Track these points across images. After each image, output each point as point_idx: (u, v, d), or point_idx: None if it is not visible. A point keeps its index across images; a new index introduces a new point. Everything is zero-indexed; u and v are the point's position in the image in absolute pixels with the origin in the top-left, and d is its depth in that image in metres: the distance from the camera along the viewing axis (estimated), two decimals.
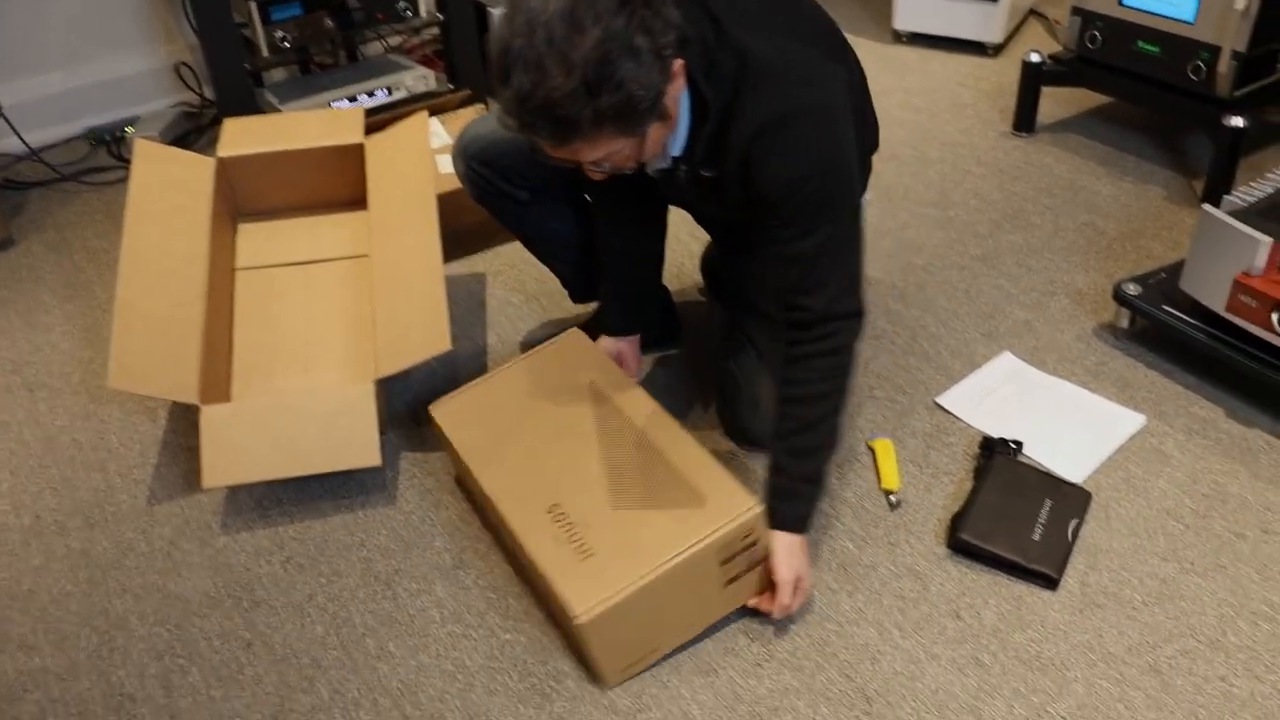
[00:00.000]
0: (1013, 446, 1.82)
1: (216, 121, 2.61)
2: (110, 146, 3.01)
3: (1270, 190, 1.96)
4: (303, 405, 1.77)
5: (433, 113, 2.55)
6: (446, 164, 2.36)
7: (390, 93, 2.85)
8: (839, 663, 1.52)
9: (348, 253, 2.17)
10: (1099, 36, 2.55)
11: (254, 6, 2.55)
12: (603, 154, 1.33)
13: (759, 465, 1.80)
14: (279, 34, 2.62)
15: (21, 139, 2.89)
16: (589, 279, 2.00)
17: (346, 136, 2.19)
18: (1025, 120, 2.81)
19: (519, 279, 2.36)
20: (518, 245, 2.10)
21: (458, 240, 2.40)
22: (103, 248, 2.57)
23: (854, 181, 1.51)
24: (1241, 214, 1.87)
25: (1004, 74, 3.13)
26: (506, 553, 1.70)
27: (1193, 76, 2.38)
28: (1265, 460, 1.80)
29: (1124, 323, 2.09)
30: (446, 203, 2.17)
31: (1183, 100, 2.45)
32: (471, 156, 1.79)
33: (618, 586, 1.41)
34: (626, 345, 1.89)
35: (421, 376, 2.09)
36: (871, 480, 1.81)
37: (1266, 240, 1.79)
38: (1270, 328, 1.79)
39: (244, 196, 2.23)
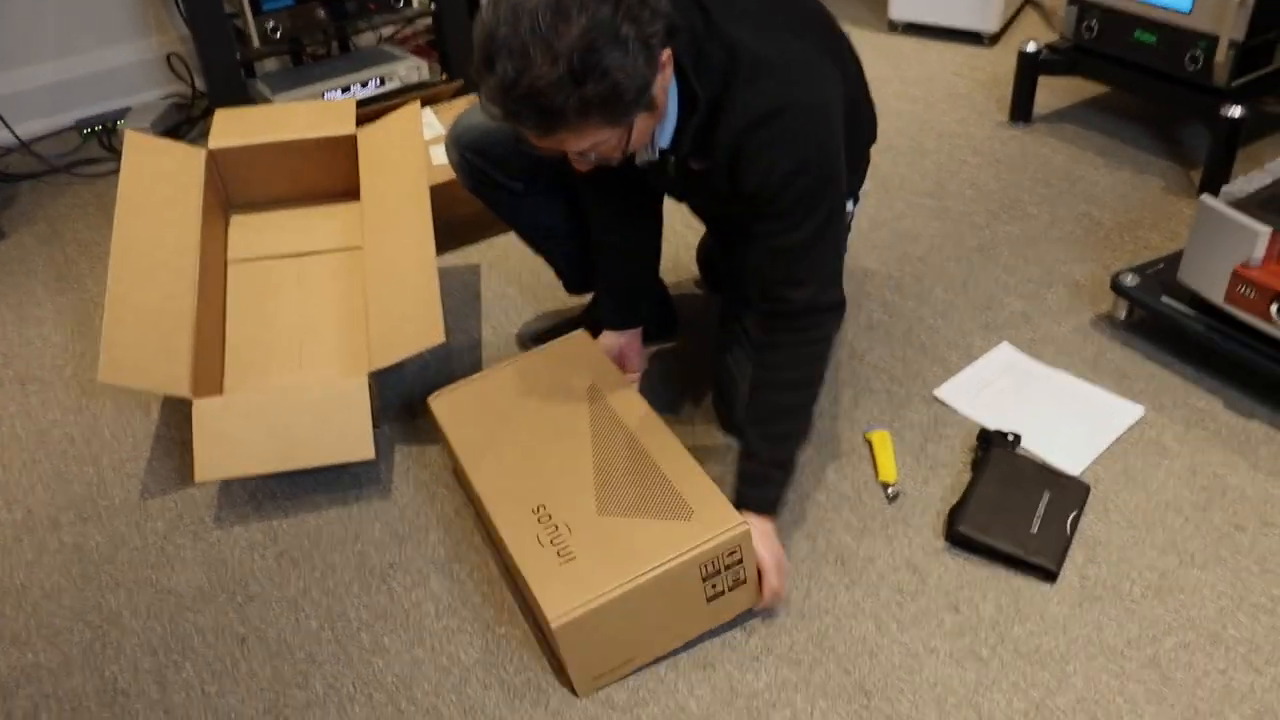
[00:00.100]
0: (1011, 439, 1.81)
1: (208, 113, 2.60)
2: (101, 138, 3.00)
3: (1269, 180, 1.95)
4: (296, 399, 1.76)
5: (426, 103, 2.53)
6: (439, 155, 2.35)
7: (383, 83, 2.84)
8: (837, 656, 1.51)
9: (340, 245, 2.16)
10: (1095, 26, 2.54)
11: None
12: (588, 144, 1.32)
13: None
14: (270, 24, 2.61)
15: (12, 131, 2.88)
16: (584, 270, 1.98)
17: (338, 127, 2.17)
18: (1022, 110, 2.80)
19: (514, 270, 2.34)
20: (512, 236, 2.09)
21: (451, 231, 2.38)
22: (94, 240, 2.55)
23: (842, 177, 1.50)
24: (1240, 204, 1.86)
25: (1000, 63, 3.12)
26: (494, 549, 1.69)
27: (1190, 66, 2.37)
28: (1265, 452, 1.79)
29: (1122, 314, 2.08)
30: (440, 194, 2.16)
31: (1180, 90, 2.44)
32: (465, 146, 1.78)
33: (596, 592, 1.39)
34: (628, 340, 1.87)
35: (415, 369, 2.08)
36: (869, 473, 1.80)
37: (1265, 230, 1.78)
38: (1269, 319, 1.78)
39: (235, 188, 2.21)
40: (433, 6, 2.82)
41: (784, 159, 1.41)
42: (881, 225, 2.43)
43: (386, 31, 3.24)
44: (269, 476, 1.84)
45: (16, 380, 2.12)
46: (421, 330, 1.79)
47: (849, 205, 1.83)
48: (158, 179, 2.03)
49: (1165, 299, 1.96)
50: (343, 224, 2.19)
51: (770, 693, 1.47)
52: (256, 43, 2.61)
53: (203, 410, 1.73)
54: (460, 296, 2.27)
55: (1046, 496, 1.69)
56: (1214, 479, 1.75)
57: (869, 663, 1.50)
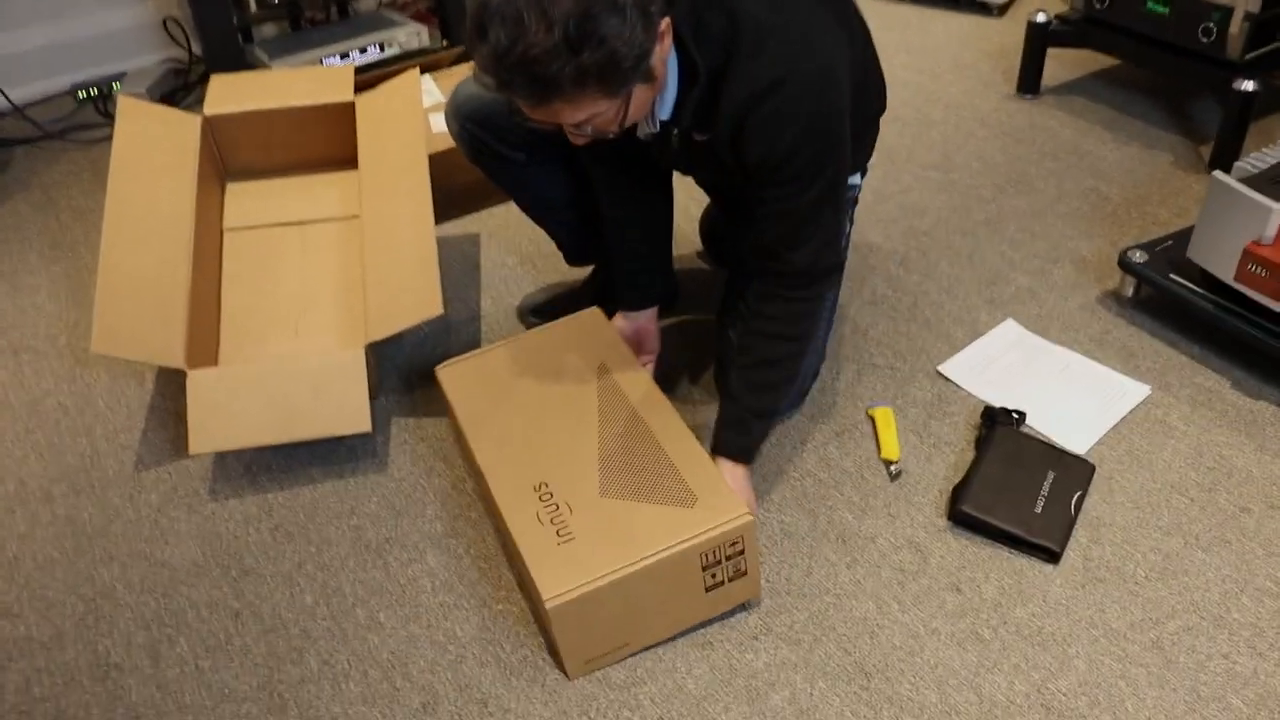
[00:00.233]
0: (1015, 417, 1.79)
1: (205, 78, 2.56)
2: (97, 103, 2.96)
3: None
4: (292, 370, 1.74)
5: (425, 70, 2.49)
6: (439, 122, 2.32)
7: (382, 49, 2.80)
8: (837, 636, 1.50)
9: (338, 214, 2.13)
10: None
11: None
12: (585, 116, 1.28)
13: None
14: None
15: (5, 95, 2.84)
16: (585, 240, 1.96)
17: (337, 94, 2.14)
18: (1030, 82, 2.76)
19: (514, 240, 2.31)
20: (512, 205, 2.06)
21: (451, 200, 2.36)
22: (89, 207, 2.52)
23: (846, 144, 1.47)
24: (1253, 181, 1.83)
25: (1008, 34, 3.08)
26: (492, 524, 1.67)
27: (1203, 39, 2.33)
28: (1271, 433, 1.77)
29: (1129, 291, 2.05)
30: (439, 162, 2.13)
31: (1192, 63, 2.40)
32: (466, 117, 1.74)
33: (592, 575, 1.37)
34: (645, 321, 1.84)
35: (414, 341, 2.05)
36: (871, 450, 1.78)
37: (1278, 208, 1.75)
38: None
39: (231, 156, 2.18)
40: None
41: (788, 130, 1.38)
42: (887, 198, 2.40)
43: None
44: (264, 449, 1.82)
45: (10, 349, 2.10)
46: (420, 302, 1.77)
47: (856, 179, 1.80)
48: (152, 146, 2.00)
49: (1173, 276, 1.94)
50: (340, 192, 2.16)
51: (769, 672, 1.46)
52: (254, 7, 2.58)
53: (197, 381, 1.71)
54: (459, 267, 2.25)
55: (1051, 476, 1.67)
56: (1220, 460, 1.73)
57: (869, 643, 1.49)
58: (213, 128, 2.11)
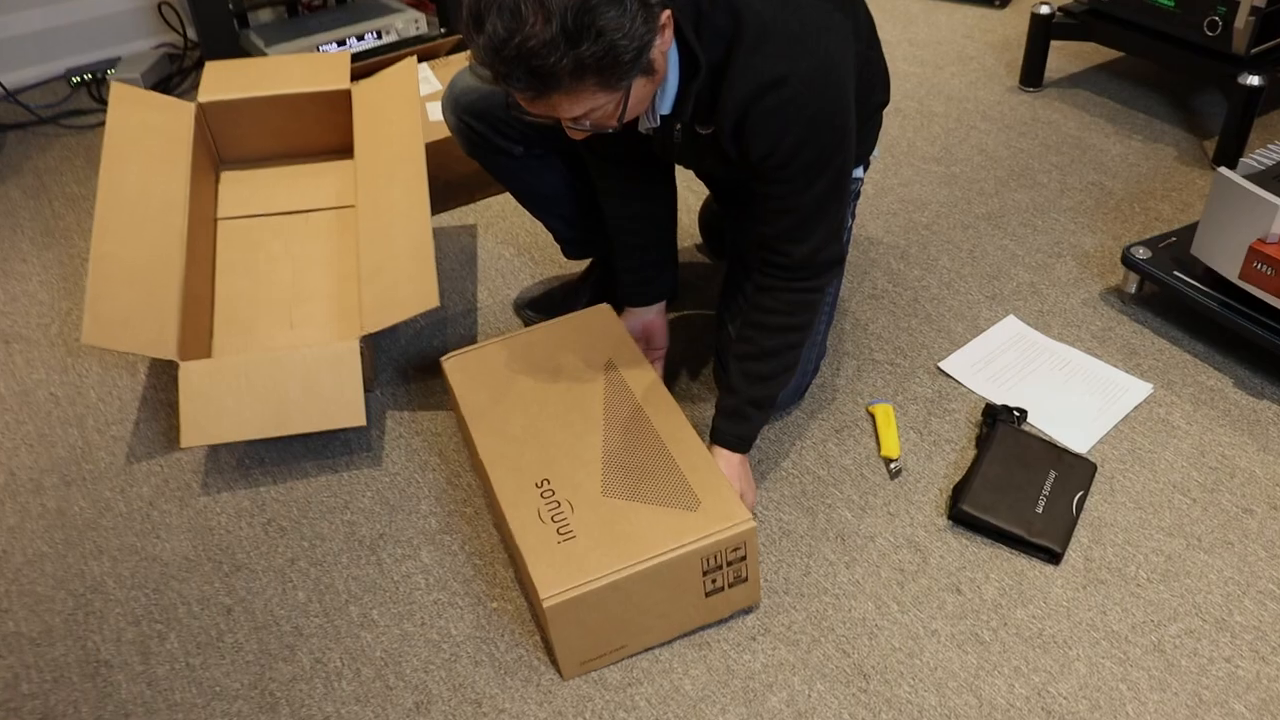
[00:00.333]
0: (1016, 415, 1.77)
1: (200, 64, 2.53)
2: (91, 88, 2.93)
3: None
4: (285, 362, 1.71)
5: (423, 58, 2.47)
6: (436, 111, 2.29)
7: (380, 36, 2.77)
8: (835, 637, 1.48)
9: (333, 203, 2.10)
10: None
11: None
12: (583, 110, 1.26)
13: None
14: None
15: None
16: (583, 235, 1.93)
17: (332, 82, 2.11)
18: (1033, 75, 2.73)
19: (511, 231, 2.29)
20: (509, 196, 2.03)
21: (448, 190, 2.33)
22: (83, 194, 2.50)
23: (851, 138, 1.45)
24: (1258, 178, 1.81)
25: (1011, 26, 3.05)
26: (494, 519, 1.66)
27: (1209, 32, 2.31)
28: (1274, 433, 1.75)
29: (1132, 287, 2.03)
30: (435, 152, 2.11)
31: (1197, 57, 2.37)
32: (463, 109, 1.72)
33: (591, 575, 1.35)
34: (654, 315, 1.82)
35: (409, 333, 2.03)
36: (871, 447, 1.76)
37: None
38: None
39: (226, 143, 2.15)
40: None
41: (791, 127, 1.36)
42: (888, 191, 2.38)
43: None
44: (257, 441, 1.80)
45: (0, 339, 2.08)
46: (415, 294, 1.75)
47: (859, 171, 1.77)
48: (145, 133, 1.97)
49: (1177, 274, 1.92)
50: (336, 182, 2.14)
51: (767, 673, 1.44)
52: None
53: (189, 373, 1.69)
54: (456, 258, 2.22)
55: (1052, 475, 1.65)
56: (1222, 460, 1.71)
57: (868, 644, 1.47)
58: (207, 115, 2.09)
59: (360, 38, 2.74)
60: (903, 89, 2.76)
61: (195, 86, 2.12)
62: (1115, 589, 1.53)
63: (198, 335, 1.82)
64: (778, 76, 1.33)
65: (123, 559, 1.64)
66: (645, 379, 1.63)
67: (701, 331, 1.97)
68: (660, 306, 1.82)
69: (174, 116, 2.03)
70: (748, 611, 1.51)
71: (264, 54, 2.65)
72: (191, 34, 3.04)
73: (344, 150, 2.12)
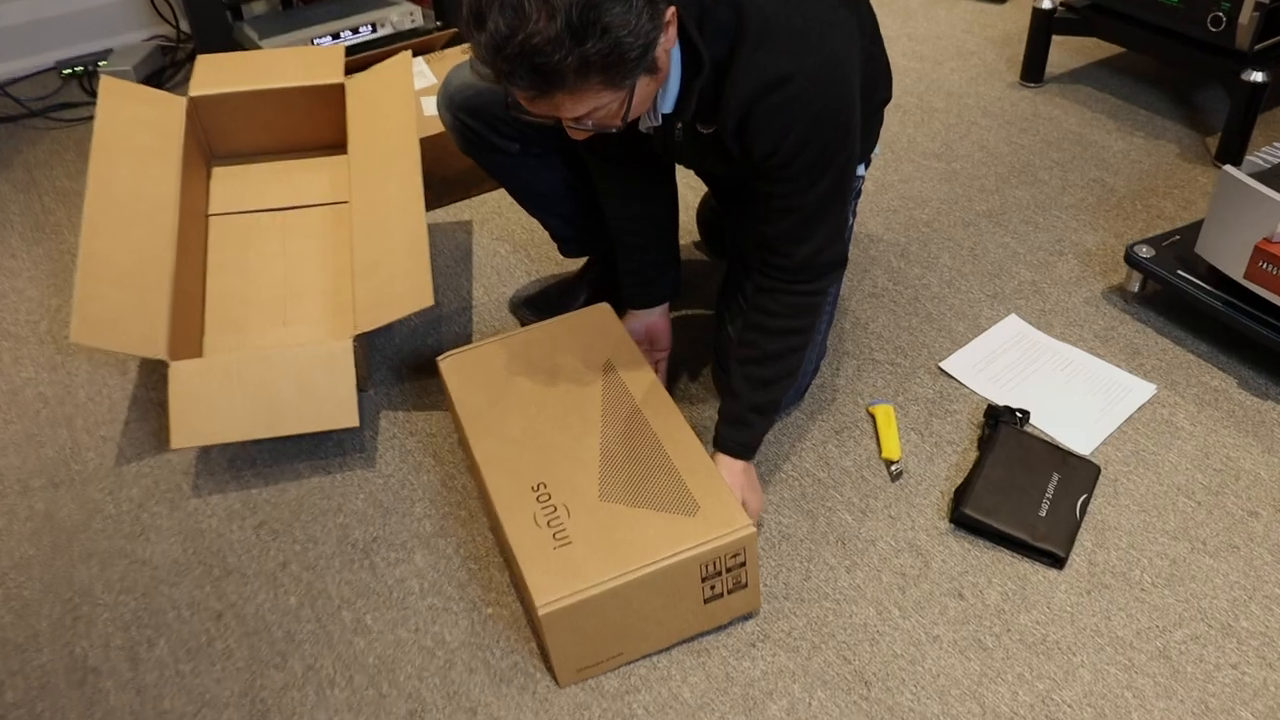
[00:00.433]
0: (1019, 416, 1.75)
1: (193, 56, 2.50)
2: (82, 81, 2.90)
3: None
4: (277, 362, 1.69)
5: (418, 51, 2.44)
6: (431, 106, 2.26)
7: (375, 29, 2.74)
8: (836, 644, 1.46)
9: (327, 199, 2.07)
10: None
11: None
12: (587, 109, 1.23)
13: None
14: None
15: None
16: (581, 233, 1.91)
17: (326, 76, 2.08)
18: (1034, 70, 2.71)
19: (506, 227, 2.26)
20: (505, 192, 2.00)
21: (443, 186, 2.30)
22: (73, 189, 2.46)
23: (856, 136, 1.42)
24: (1265, 176, 1.78)
25: (1012, 21, 3.03)
26: (489, 522, 1.63)
27: (1212, 28, 2.28)
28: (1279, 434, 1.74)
29: (1134, 286, 2.01)
30: (430, 147, 2.09)
31: (1200, 53, 2.35)
32: (458, 106, 1.69)
33: (588, 582, 1.33)
34: (658, 316, 1.79)
35: (404, 332, 2.00)
36: (871, 449, 1.74)
37: None
38: None
39: (217, 138, 2.12)
40: None
41: (795, 125, 1.33)
42: (888, 188, 2.35)
43: None
44: (249, 443, 1.78)
45: None
46: (410, 292, 1.72)
47: (860, 169, 1.75)
48: (135, 128, 1.94)
49: (1181, 273, 1.89)
50: (329, 177, 2.11)
51: (767, 681, 1.42)
52: None
53: (179, 373, 1.66)
54: (451, 255, 2.20)
55: (1055, 478, 1.63)
56: (1227, 461, 1.69)
57: (869, 650, 1.45)
58: (198, 109, 2.06)
59: (355, 30, 2.71)
60: (902, 84, 2.74)
61: (188, 79, 2.09)
62: (1120, 594, 1.51)
63: (188, 334, 1.79)
64: (782, 74, 1.30)
65: (111, 563, 1.61)
66: (644, 380, 1.61)
67: (701, 331, 1.95)
68: (664, 308, 1.80)
69: (165, 111, 2.00)
70: (747, 618, 1.49)
71: (258, 46, 2.62)
72: (184, 26, 3.01)
73: (338, 145, 2.09)
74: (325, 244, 2.00)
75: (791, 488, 1.68)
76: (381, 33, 2.74)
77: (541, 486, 1.46)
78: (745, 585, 1.43)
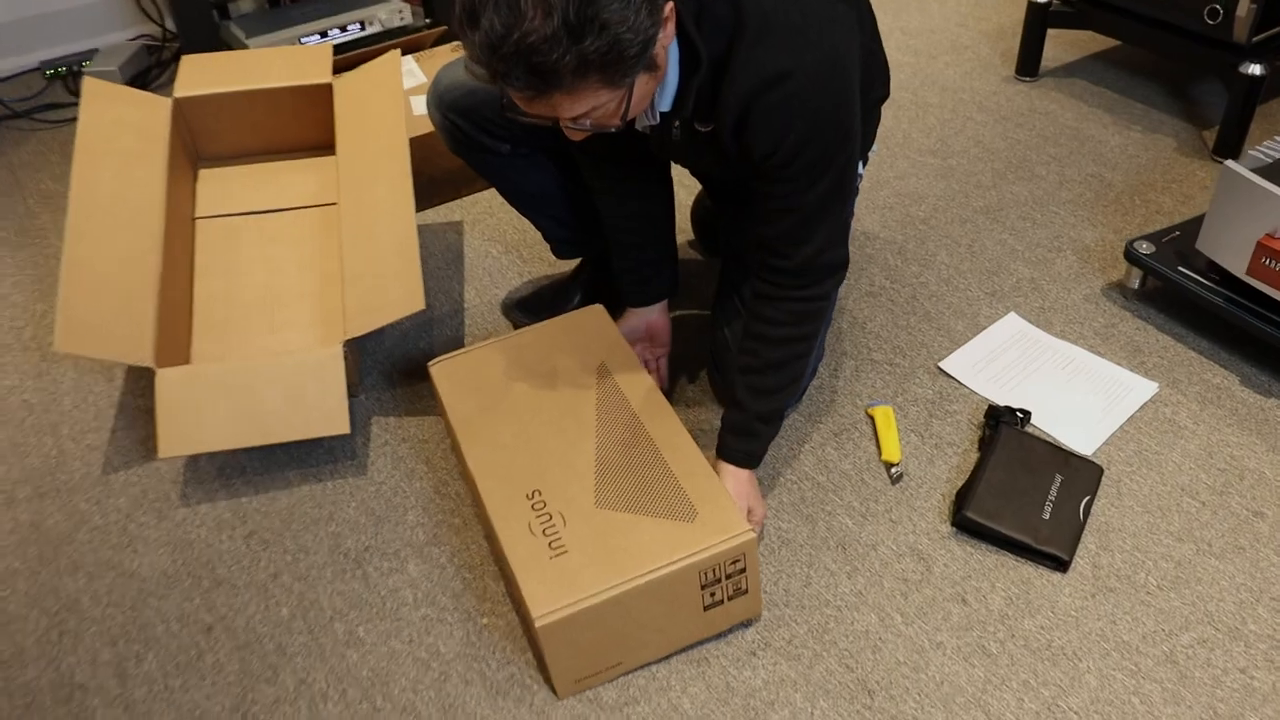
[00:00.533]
0: (1020, 416, 1.72)
1: (179, 56, 2.46)
2: (67, 81, 2.86)
3: None
4: (266, 369, 1.65)
5: (407, 50, 2.40)
6: (420, 105, 2.23)
7: (363, 27, 2.71)
8: (838, 651, 1.43)
9: (315, 201, 2.04)
10: None
11: None
12: (585, 109, 1.20)
13: None
14: None
15: None
16: (573, 234, 1.88)
17: (313, 75, 2.05)
18: (1029, 64, 2.68)
19: (498, 228, 2.23)
20: (495, 192, 1.97)
21: (433, 186, 2.27)
22: (58, 191, 2.43)
23: (856, 134, 1.40)
24: (1266, 171, 1.76)
25: (1006, 14, 3.00)
26: (484, 530, 1.60)
27: (1209, 20, 2.26)
28: None
29: (1134, 283, 1.98)
30: (420, 147, 2.06)
31: (1197, 45, 2.33)
32: (448, 106, 1.66)
33: (585, 592, 1.30)
34: (657, 314, 1.77)
35: (395, 336, 1.97)
36: (871, 451, 1.72)
37: None
38: None
39: (203, 140, 2.09)
40: None
41: (794, 124, 1.30)
42: (884, 185, 2.32)
43: None
44: (238, 451, 1.74)
45: None
46: (400, 296, 1.69)
47: (859, 168, 1.72)
48: (119, 130, 1.91)
49: (1181, 269, 1.87)
50: (318, 178, 2.08)
51: (768, 690, 1.39)
52: None
53: (166, 380, 1.62)
54: (442, 257, 2.17)
55: (1058, 480, 1.61)
56: (1231, 461, 1.67)
57: (872, 658, 1.42)
58: (183, 110, 2.02)
59: (343, 29, 2.68)
60: (896, 79, 2.71)
61: (174, 79, 2.05)
62: (1125, 597, 1.48)
63: (175, 340, 1.76)
64: (781, 71, 1.27)
65: (99, 575, 1.58)
66: (640, 383, 1.58)
67: (697, 332, 1.92)
68: (663, 305, 1.77)
69: (149, 112, 1.97)
70: (747, 625, 1.47)
71: (244, 45, 2.58)
72: (170, 25, 2.97)
73: (326, 146, 2.06)
74: (314, 247, 1.96)
75: (790, 492, 1.65)
76: (370, 31, 2.71)
77: (536, 494, 1.43)
78: (746, 591, 1.40)
